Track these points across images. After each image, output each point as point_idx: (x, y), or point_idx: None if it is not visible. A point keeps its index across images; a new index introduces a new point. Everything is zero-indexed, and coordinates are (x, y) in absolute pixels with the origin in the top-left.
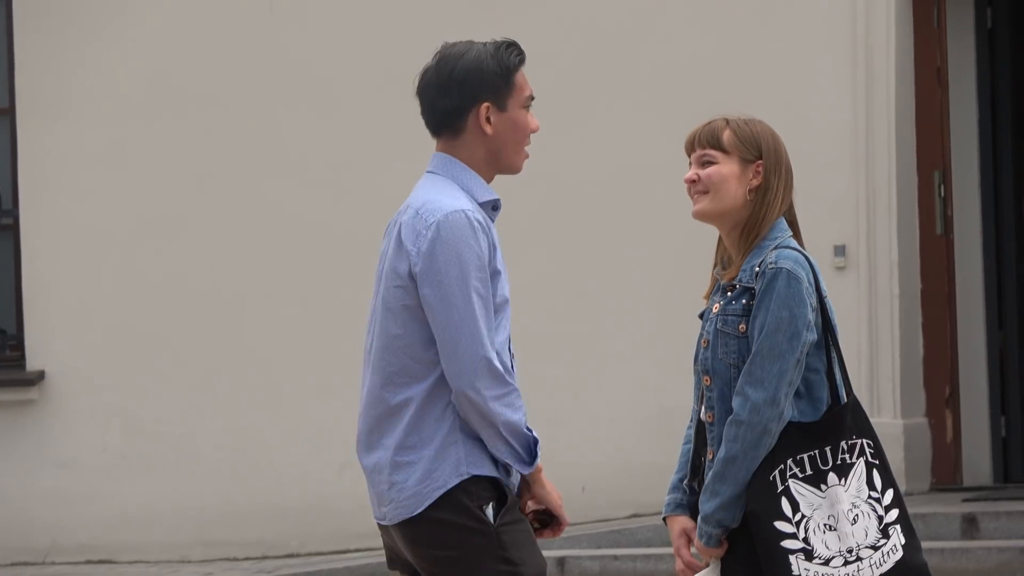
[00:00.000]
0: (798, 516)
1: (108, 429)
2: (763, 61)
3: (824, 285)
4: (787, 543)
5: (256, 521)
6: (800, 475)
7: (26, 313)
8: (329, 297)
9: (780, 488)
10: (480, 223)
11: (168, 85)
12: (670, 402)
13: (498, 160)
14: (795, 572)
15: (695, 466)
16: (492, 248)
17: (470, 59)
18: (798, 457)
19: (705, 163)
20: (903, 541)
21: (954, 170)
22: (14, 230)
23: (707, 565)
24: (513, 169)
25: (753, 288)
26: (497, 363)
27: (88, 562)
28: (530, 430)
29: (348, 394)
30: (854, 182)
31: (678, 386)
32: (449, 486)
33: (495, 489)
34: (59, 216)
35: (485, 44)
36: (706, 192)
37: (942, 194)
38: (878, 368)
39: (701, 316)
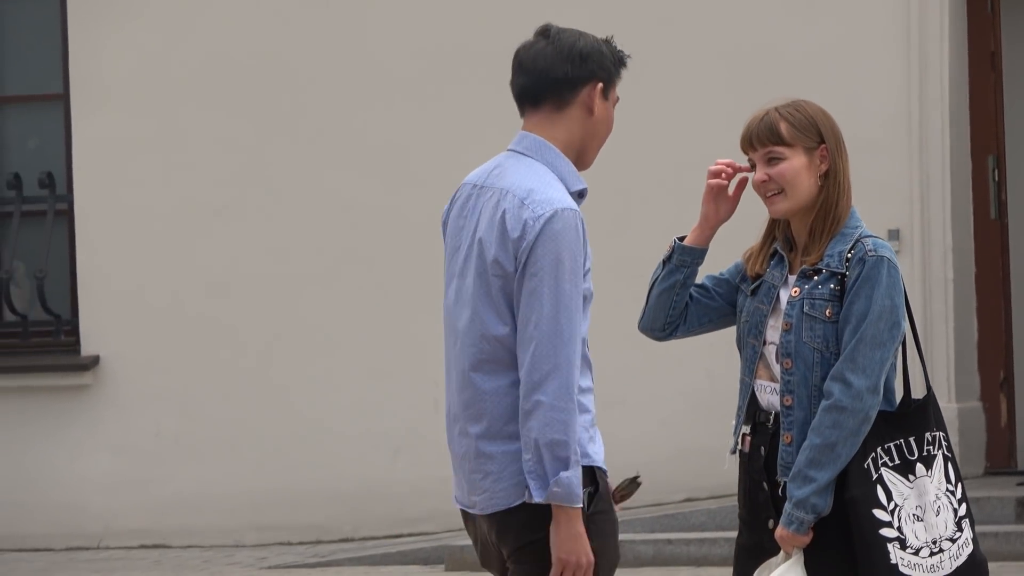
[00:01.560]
0: (892, 505)
1: (162, 414)
2: (816, 47)
3: None
4: (885, 531)
5: (310, 506)
6: (890, 464)
7: (81, 298)
8: (384, 281)
9: (875, 476)
10: (583, 224)
11: (220, 70)
12: (723, 385)
13: (588, 147)
14: (892, 561)
15: (742, 451)
16: (586, 246)
17: (590, 39)
18: (886, 446)
19: (771, 160)
20: (972, 535)
21: (1008, 155)
22: (69, 216)
23: (788, 557)
24: (588, 163)
25: (841, 273)
26: (568, 376)
27: (142, 547)
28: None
29: (402, 379)
30: (908, 166)
31: (730, 369)
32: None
33: (591, 476)
34: (113, 202)
35: (595, 35)
36: (781, 191)
37: (996, 179)
38: (932, 352)
39: (754, 292)
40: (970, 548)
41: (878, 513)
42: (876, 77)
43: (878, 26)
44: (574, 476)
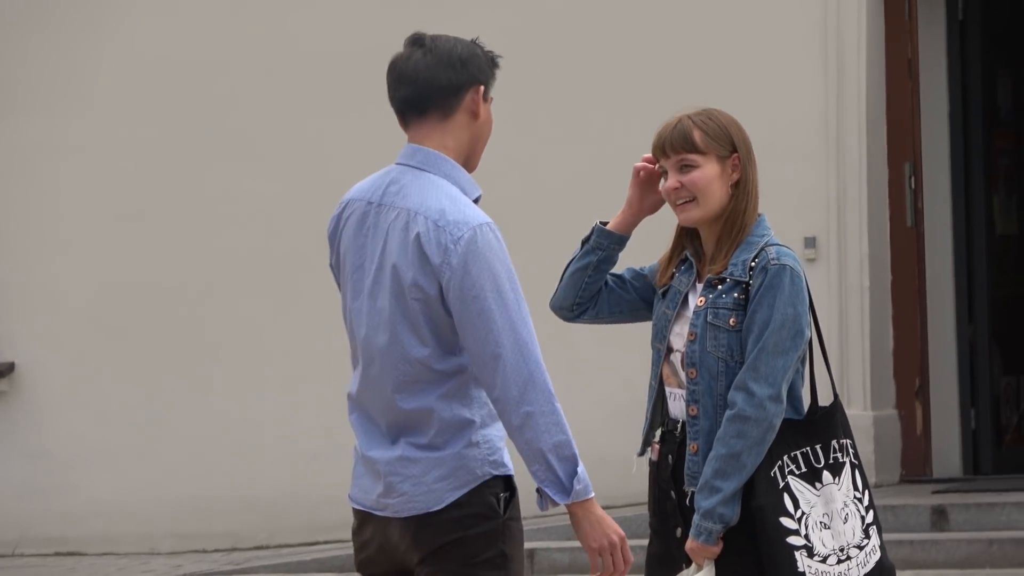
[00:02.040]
0: (799, 512)
1: (77, 421)
2: (734, 54)
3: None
4: (792, 539)
5: (225, 513)
6: (797, 472)
7: None
8: (296, 290)
9: (782, 484)
10: (499, 232)
11: (139, 75)
12: (640, 394)
13: (475, 151)
14: (800, 569)
15: (646, 441)
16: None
17: (466, 44)
18: (793, 454)
19: (684, 168)
20: (880, 542)
21: (925, 162)
22: None
23: (699, 568)
24: (475, 166)
25: (745, 282)
26: (545, 378)
27: (57, 554)
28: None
29: (318, 386)
30: (825, 174)
31: (647, 378)
32: (468, 488)
33: (507, 483)
34: (28, 208)
35: (467, 39)
36: (693, 199)
37: (913, 186)
38: (848, 360)
39: (663, 295)
40: (878, 555)
41: (785, 521)
42: (793, 84)
43: (796, 33)
44: (584, 470)
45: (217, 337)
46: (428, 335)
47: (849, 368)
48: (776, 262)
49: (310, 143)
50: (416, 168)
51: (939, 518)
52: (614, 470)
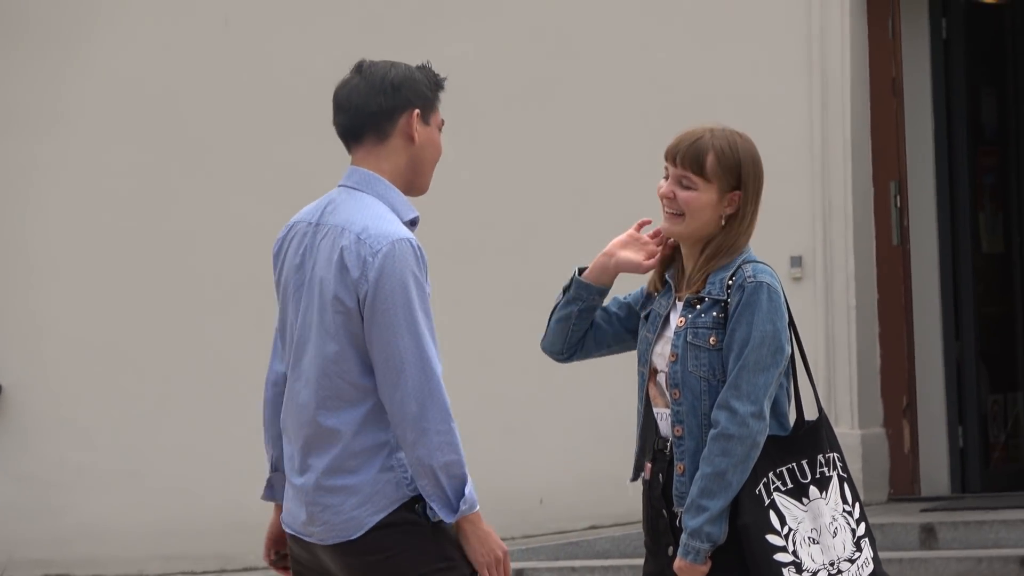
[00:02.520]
0: (785, 529)
1: (65, 443)
2: (718, 73)
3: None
4: (779, 556)
5: (214, 535)
6: (783, 488)
7: None
8: None
9: (767, 501)
10: (421, 251)
11: (122, 98)
12: (625, 412)
13: (416, 174)
14: None
15: (638, 466)
16: (426, 273)
17: (401, 69)
18: (778, 470)
19: (684, 185)
20: (872, 554)
21: (910, 181)
22: None
23: None
24: (423, 188)
25: (723, 301)
26: (444, 397)
27: None
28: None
29: None
30: (810, 193)
31: (633, 396)
32: (389, 511)
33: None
34: (14, 231)
35: (407, 64)
36: (681, 215)
37: (898, 204)
38: (835, 379)
39: (647, 317)
40: (871, 567)
41: (771, 538)
42: (778, 104)
43: (780, 52)
44: (471, 488)
45: (204, 361)
46: (348, 349)
47: (836, 387)
48: (752, 279)
49: (292, 164)
50: (352, 188)
51: (928, 536)
52: (601, 490)
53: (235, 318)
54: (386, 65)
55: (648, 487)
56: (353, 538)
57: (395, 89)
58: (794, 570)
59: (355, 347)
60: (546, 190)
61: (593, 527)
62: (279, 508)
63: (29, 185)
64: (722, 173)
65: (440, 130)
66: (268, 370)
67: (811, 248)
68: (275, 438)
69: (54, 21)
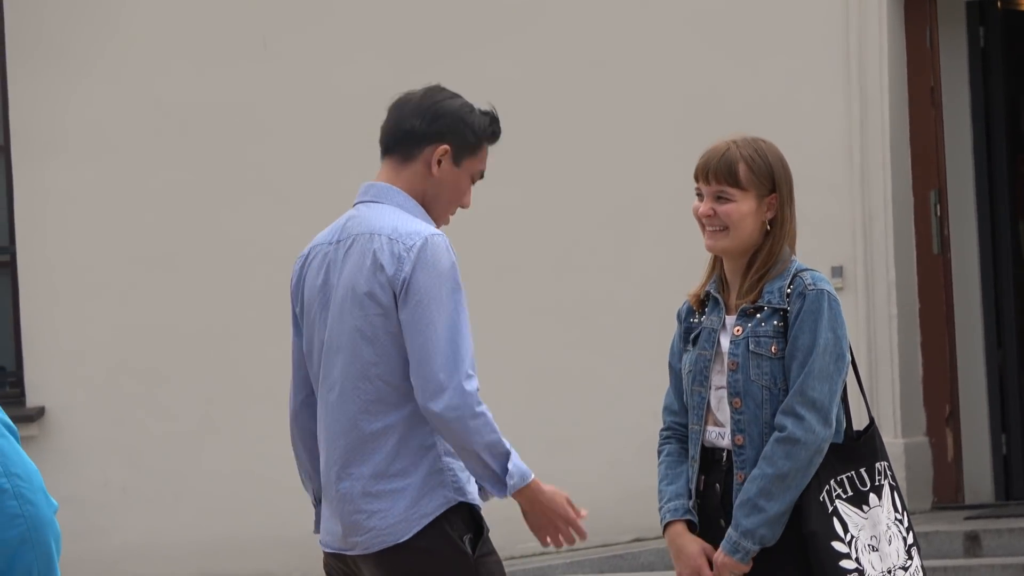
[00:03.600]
0: (848, 536)
1: (108, 464)
2: (757, 84)
3: None
4: (844, 563)
5: (258, 552)
6: (843, 496)
7: (25, 350)
8: None
9: (831, 509)
10: (452, 248)
11: (162, 120)
12: None
13: (430, 206)
14: None
15: (697, 489)
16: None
17: (456, 104)
18: (839, 478)
19: (720, 198)
20: (920, 563)
21: (950, 189)
22: (11, 267)
23: None
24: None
25: (783, 309)
26: (472, 383)
27: None
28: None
29: None
30: (850, 203)
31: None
32: (438, 514)
33: (473, 520)
34: (56, 252)
35: (475, 105)
36: (724, 229)
37: (938, 213)
38: (878, 388)
39: (695, 339)
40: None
41: (837, 546)
42: (817, 114)
43: (819, 62)
44: (517, 459)
45: (244, 380)
46: (388, 350)
47: (879, 396)
48: (814, 287)
49: (334, 183)
50: (370, 202)
51: (972, 544)
52: (645, 503)
53: (277, 336)
54: (447, 95)
55: (702, 498)
56: (400, 542)
57: (435, 118)
58: None
59: (395, 347)
60: (587, 206)
61: (637, 539)
62: None
63: (70, 207)
64: (756, 180)
65: (475, 180)
66: (289, 405)
67: (852, 258)
68: (311, 471)
69: (94, 44)
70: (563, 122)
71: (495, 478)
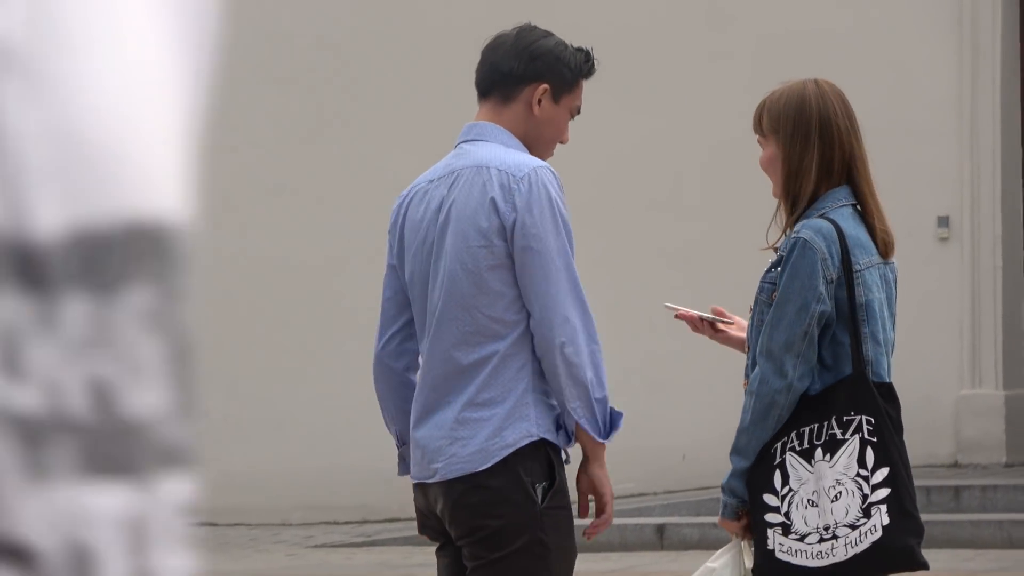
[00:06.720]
0: (785, 490)
1: (209, 394)
2: (869, 35)
3: (863, 258)
4: (769, 516)
5: (356, 486)
6: (797, 448)
7: None
8: None
9: (777, 460)
10: (558, 178)
11: (271, 49)
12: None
13: (531, 146)
14: (769, 547)
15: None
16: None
17: (551, 42)
18: (800, 430)
19: (762, 147)
20: (886, 522)
21: None
22: None
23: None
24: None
25: (783, 255)
26: (592, 321)
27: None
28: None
29: None
30: (958, 154)
31: None
32: (518, 446)
33: (550, 468)
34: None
35: (567, 42)
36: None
37: None
38: (980, 339)
39: None
40: (876, 535)
41: (767, 498)
42: (927, 62)
43: (930, 12)
44: (615, 415)
45: (345, 313)
46: (489, 283)
47: (981, 348)
48: (795, 235)
49: (444, 118)
50: (474, 140)
51: None
52: None
53: (373, 270)
54: (540, 34)
55: None
56: (477, 471)
57: (532, 59)
58: (780, 531)
59: (501, 280)
60: (691, 154)
61: None
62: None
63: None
64: (774, 125)
65: (573, 116)
66: (375, 345)
67: (959, 209)
68: (395, 412)
69: None
70: (673, 69)
71: (595, 418)
